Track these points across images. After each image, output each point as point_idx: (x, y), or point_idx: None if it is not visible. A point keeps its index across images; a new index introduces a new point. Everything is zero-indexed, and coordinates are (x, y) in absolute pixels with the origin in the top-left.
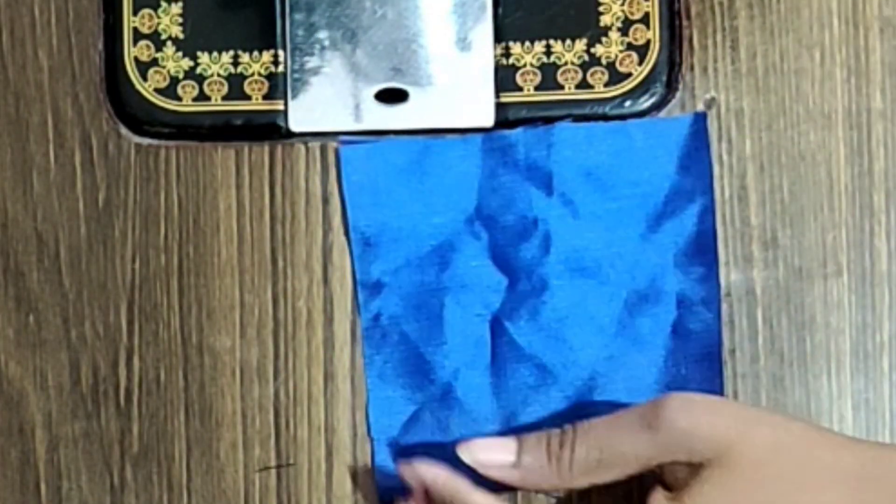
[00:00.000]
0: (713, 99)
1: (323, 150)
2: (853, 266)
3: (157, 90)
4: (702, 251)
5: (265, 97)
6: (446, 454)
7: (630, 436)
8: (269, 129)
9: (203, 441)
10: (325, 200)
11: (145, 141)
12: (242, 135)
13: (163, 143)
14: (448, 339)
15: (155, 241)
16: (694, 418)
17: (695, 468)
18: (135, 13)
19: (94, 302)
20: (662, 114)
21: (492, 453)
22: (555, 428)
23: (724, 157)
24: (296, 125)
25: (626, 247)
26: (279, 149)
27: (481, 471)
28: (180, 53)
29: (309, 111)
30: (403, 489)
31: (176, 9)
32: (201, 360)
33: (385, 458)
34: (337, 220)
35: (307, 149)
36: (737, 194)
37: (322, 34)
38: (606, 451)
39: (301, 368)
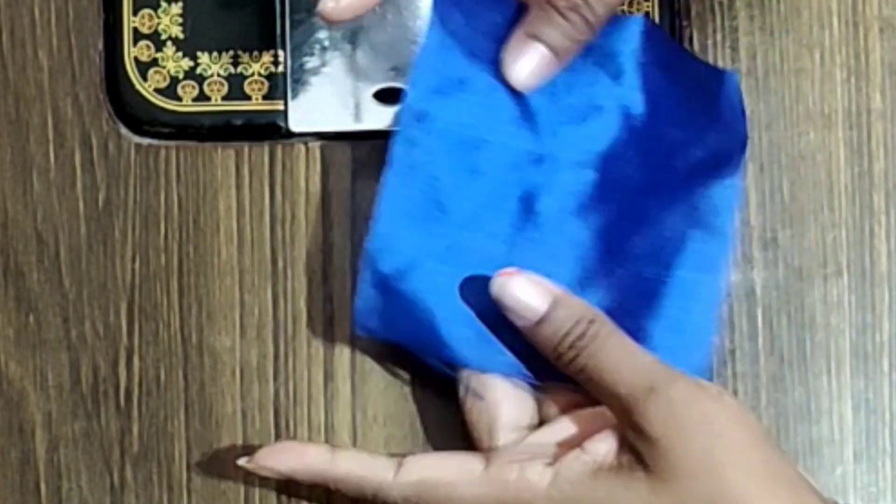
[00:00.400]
0: None
1: (323, 149)
2: (853, 266)
3: (157, 90)
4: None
5: (265, 97)
6: (423, 317)
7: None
8: (270, 129)
9: (203, 441)
10: (326, 200)
11: (145, 141)
12: (242, 135)
13: (163, 143)
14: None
15: (155, 240)
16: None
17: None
18: (135, 13)
19: (94, 302)
20: None
21: (527, 294)
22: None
23: None
24: (296, 125)
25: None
26: (279, 149)
27: (505, 306)
28: (180, 53)
29: (309, 111)
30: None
31: (176, 9)
32: (201, 360)
33: (369, 294)
34: (337, 220)
35: (307, 149)
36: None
37: (322, 34)
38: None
39: (301, 368)
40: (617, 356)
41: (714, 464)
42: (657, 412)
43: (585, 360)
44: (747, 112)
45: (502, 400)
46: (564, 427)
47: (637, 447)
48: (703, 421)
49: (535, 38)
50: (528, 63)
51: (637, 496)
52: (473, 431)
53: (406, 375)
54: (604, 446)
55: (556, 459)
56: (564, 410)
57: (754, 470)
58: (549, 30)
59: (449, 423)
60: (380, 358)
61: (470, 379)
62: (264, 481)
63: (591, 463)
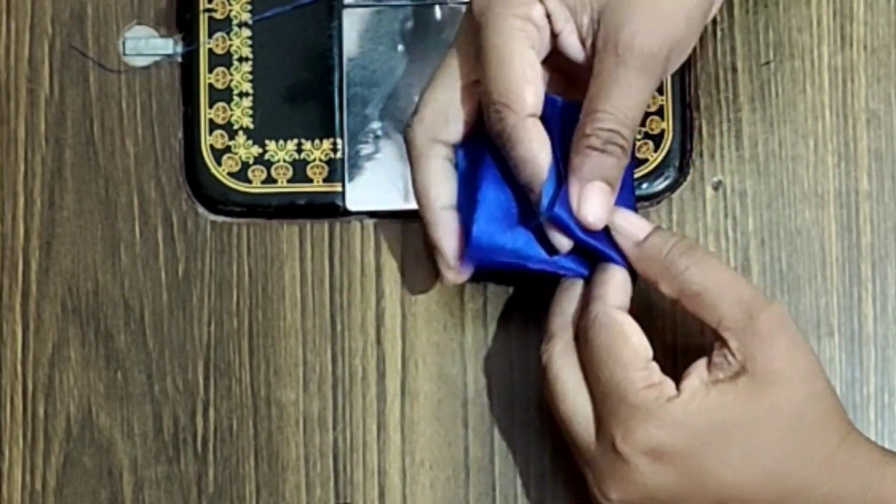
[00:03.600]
0: (720, 182)
1: (376, 226)
2: (843, 328)
3: (230, 174)
4: None
5: (325, 180)
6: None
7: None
8: (329, 209)
9: (271, 483)
10: (378, 271)
11: (220, 219)
12: (305, 213)
13: (235, 220)
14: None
15: (228, 306)
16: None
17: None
18: (210, 106)
19: (174, 360)
20: (674, 195)
21: (627, 223)
22: None
23: (730, 232)
24: (352, 205)
25: None
26: (338, 226)
27: (617, 225)
28: (250, 142)
29: (364, 192)
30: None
31: (247, 102)
32: (269, 412)
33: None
34: (388, 289)
35: (362, 226)
36: (740, 265)
37: (375, 125)
38: (707, 295)
39: (357, 419)
40: (718, 274)
41: (809, 374)
42: (768, 328)
43: (693, 272)
44: (749, 193)
45: (635, 331)
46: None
47: (740, 358)
48: (796, 337)
49: (587, 180)
50: (594, 204)
51: (742, 400)
52: (605, 365)
53: (450, 425)
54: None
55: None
56: None
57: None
58: (596, 169)
59: (487, 466)
60: (426, 410)
61: (600, 312)
62: None
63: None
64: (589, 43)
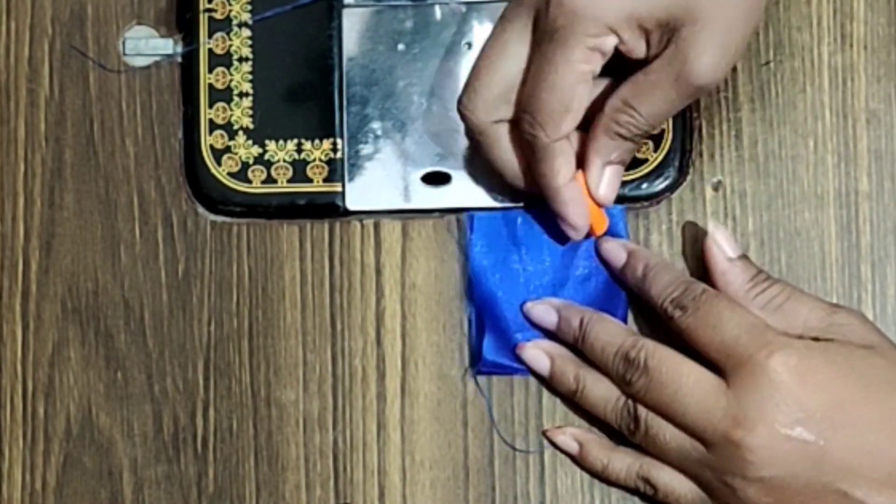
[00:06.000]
0: (720, 182)
1: (376, 226)
2: None
3: (230, 174)
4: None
5: (325, 180)
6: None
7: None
8: (329, 209)
9: (271, 483)
10: (378, 271)
11: (219, 219)
12: (305, 213)
13: (235, 220)
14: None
15: (228, 306)
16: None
17: None
18: (210, 106)
19: (174, 360)
20: (674, 195)
21: (725, 240)
22: None
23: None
24: (352, 204)
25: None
26: (337, 226)
27: (711, 239)
28: (250, 142)
29: (364, 192)
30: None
31: (247, 102)
32: (269, 412)
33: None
34: (388, 289)
35: (362, 225)
36: None
37: (375, 125)
38: (790, 304)
39: (357, 419)
40: (798, 291)
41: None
42: (848, 320)
43: (779, 287)
44: (749, 194)
45: None
46: None
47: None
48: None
49: (610, 162)
50: (611, 184)
51: None
52: (731, 316)
53: (450, 425)
54: None
55: None
56: None
57: None
58: (618, 151)
59: (487, 466)
60: (426, 410)
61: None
62: None
63: None
64: (654, 52)
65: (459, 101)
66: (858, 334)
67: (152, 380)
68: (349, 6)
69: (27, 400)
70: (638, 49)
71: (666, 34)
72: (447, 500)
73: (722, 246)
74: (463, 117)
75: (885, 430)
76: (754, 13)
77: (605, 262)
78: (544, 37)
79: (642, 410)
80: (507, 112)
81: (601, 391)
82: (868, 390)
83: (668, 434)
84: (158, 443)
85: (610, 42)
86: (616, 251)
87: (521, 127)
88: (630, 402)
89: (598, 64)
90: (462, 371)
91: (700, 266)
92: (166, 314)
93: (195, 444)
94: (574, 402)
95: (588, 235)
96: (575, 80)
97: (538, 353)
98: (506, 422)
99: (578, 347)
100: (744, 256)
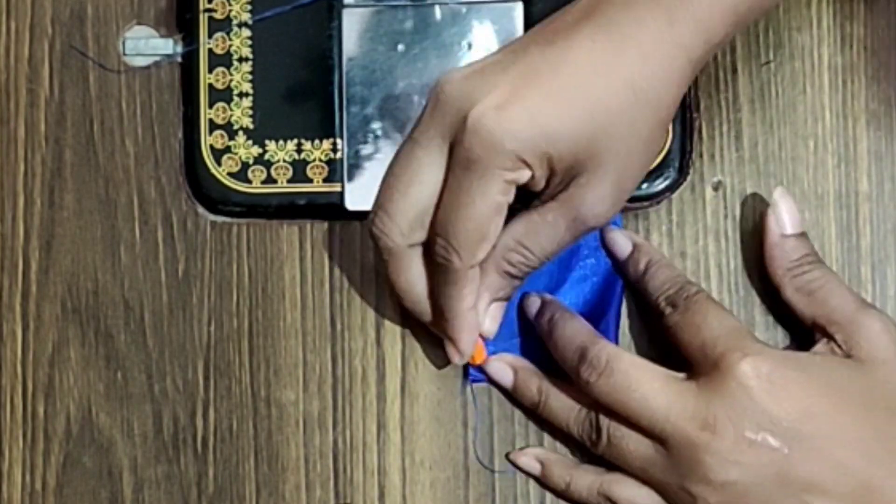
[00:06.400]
0: (720, 182)
1: None
2: None
3: (230, 174)
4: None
5: (325, 180)
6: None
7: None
8: (329, 209)
9: (270, 483)
10: (378, 271)
11: (220, 219)
12: (305, 213)
13: (235, 220)
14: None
15: (228, 307)
16: None
17: None
18: (210, 106)
19: (174, 360)
20: (674, 195)
21: (788, 215)
22: None
23: (730, 232)
24: (352, 205)
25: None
26: (337, 226)
27: (773, 209)
28: (250, 142)
29: (364, 192)
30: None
31: (247, 102)
32: (269, 412)
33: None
34: (388, 289)
35: (362, 226)
36: (740, 266)
37: (375, 125)
38: (821, 293)
39: (357, 419)
40: (835, 278)
41: None
42: (871, 321)
43: (817, 275)
44: (749, 194)
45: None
46: None
47: (846, 348)
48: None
49: (497, 299)
50: (495, 319)
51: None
52: (718, 317)
53: (450, 425)
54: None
55: None
56: None
57: None
58: (506, 290)
59: (488, 467)
60: (426, 410)
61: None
62: None
63: None
64: (551, 192)
65: (372, 223)
66: (873, 342)
67: (152, 380)
68: (349, 6)
69: (27, 400)
70: (539, 185)
71: (566, 178)
72: (447, 500)
73: (782, 219)
74: (376, 240)
75: (854, 446)
76: (652, 157)
77: (608, 251)
78: (460, 164)
79: (604, 420)
80: (421, 236)
81: (563, 402)
82: (842, 406)
83: (630, 442)
84: (158, 443)
85: (525, 175)
86: (622, 242)
87: (435, 251)
88: (592, 413)
89: (512, 194)
90: (462, 371)
91: (700, 268)
92: (166, 314)
93: (195, 444)
94: (537, 414)
95: (466, 365)
96: (492, 212)
97: (502, 365)
98: (506, 422)
99: (547, 346)
100: (801, 234)
